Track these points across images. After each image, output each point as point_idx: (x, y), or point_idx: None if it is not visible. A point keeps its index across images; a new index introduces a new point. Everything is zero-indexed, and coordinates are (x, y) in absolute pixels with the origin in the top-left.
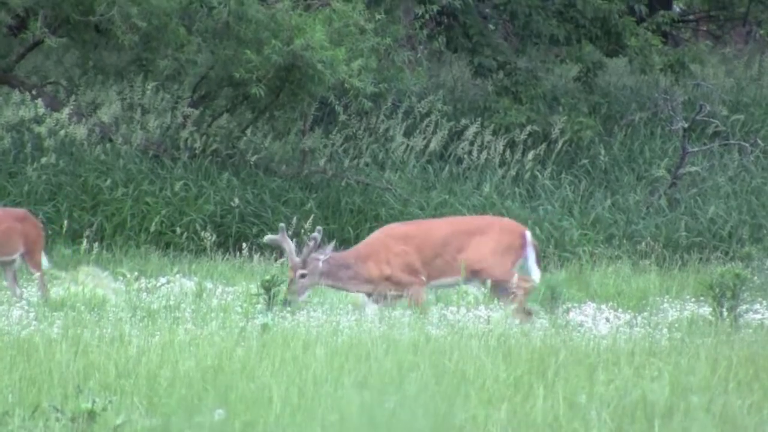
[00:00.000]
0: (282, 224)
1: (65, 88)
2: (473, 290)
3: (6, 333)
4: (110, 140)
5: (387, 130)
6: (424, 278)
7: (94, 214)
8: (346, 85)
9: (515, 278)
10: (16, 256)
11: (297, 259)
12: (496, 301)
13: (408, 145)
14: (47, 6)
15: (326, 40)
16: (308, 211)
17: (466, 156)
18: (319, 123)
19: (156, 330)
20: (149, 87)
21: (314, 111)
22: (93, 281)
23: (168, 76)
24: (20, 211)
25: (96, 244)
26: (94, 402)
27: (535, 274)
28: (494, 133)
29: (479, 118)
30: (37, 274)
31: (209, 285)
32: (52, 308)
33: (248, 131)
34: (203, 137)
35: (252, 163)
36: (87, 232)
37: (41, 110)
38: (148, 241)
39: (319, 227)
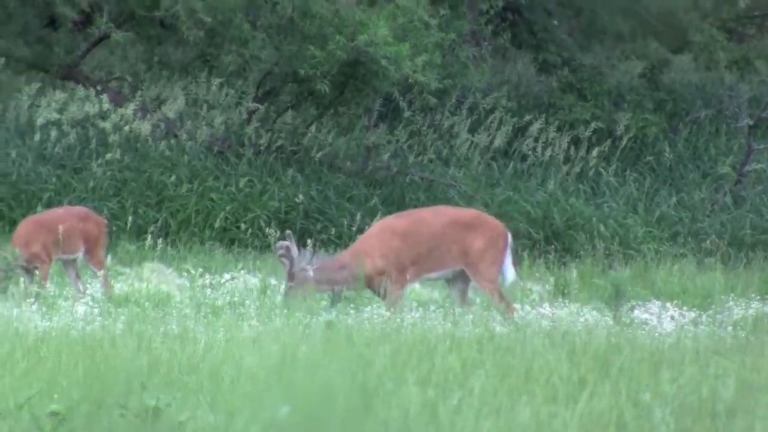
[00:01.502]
0: (288, 231)
1: (130, 83)
2: (537, 288)
3: (71, 329)
4: (175, 136)
5: (451, 126)
6: (408, 277)
7: (159, 210)
8: (410, 80)
9: (509, 277)
10: (78, 255)
11: (291, 272)
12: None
13: (472, 142)
14: (112, 1)
15: (390, 36)
16: (372, 208)
17: (530, 152)
18: (383, 119)
19: (220, 326)
20: (214, 83)
21: (378, 107)
22: (157, 277)
23: (232, 71)
24: (82, 209)
25: (160, 241)
26: (158, 398)
27: (511, 273)
28: (559, 129)
29: (544, 115)
30: (101, 273)
31: (273, 281)
32: (117, 304)
33: (313, 127)
34: (268, 133)
35: (316, 159)
36: (151, 228)
37: (106, 106)
38: (212, 238)
39: (288, 231)
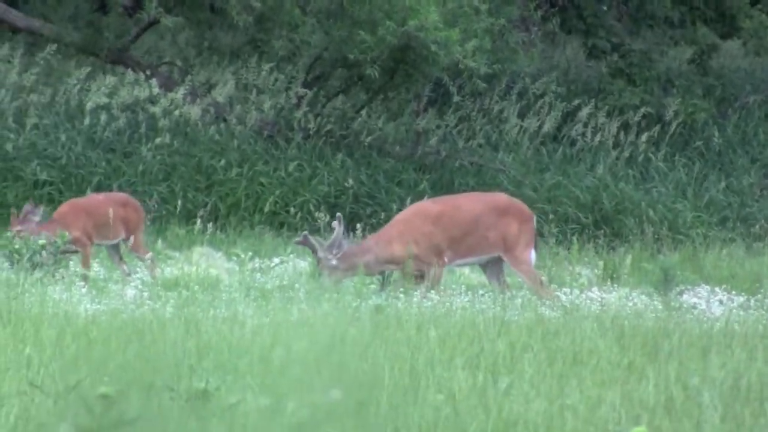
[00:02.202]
0: (339, 214)
1: (180, 68)
2: (586, 273)
3: (120, 312)
4: (225, 120)
5: (501, 111)
6: (446, 260)
7: (209, 194)
8: (460, 65)
9: (533, 260)
10: (118, 240)
11: (319, 256)
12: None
13: (521, 127)
14: None
15: (440, 21)
16: (422, 192)
17: (579, 137)
18: (433, 104)
19: (269, 310)
20: (264, 67)
21: (428, 92)
22: (207, 261)
23: (282, 56)
24: (122, 195)
25: (210, 225)
26: (208, 382)
27: (533, 257)
28: (608, 114)
29: (593, 100)
30: (148, 256)
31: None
32: (166, 288)
33: (362, 112)
34: (317, 118)
35: (366, 144)
36: (201, 213)
37: (156, 90)
38: (261, 222)
39: (338, 214)
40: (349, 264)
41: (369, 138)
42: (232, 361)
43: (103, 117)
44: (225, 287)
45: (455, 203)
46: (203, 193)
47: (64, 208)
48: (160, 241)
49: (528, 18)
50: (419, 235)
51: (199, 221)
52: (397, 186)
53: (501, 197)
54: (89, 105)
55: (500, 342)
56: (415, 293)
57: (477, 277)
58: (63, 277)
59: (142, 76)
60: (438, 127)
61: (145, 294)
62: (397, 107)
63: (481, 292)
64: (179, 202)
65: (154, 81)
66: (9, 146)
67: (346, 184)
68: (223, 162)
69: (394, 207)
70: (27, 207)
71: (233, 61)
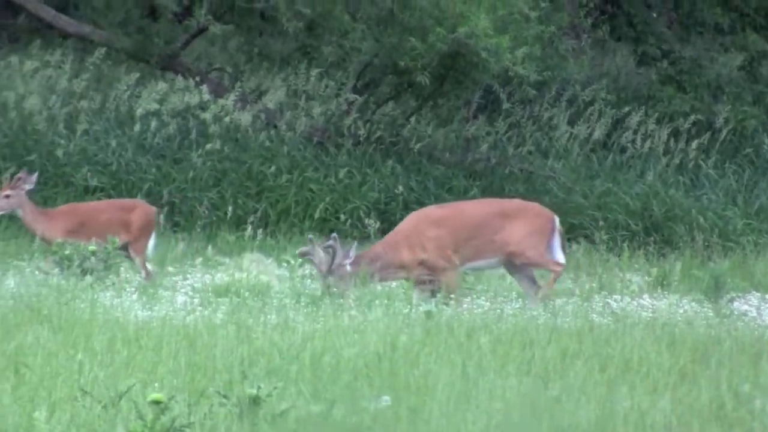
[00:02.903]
0: (311, 236)
1: (230, 74)
2: (637, 279)
3: (171, 319)
4: (275, 127)
5: (551, 118)
6: (457, 262)
7: (259, 200)
8: (510, 72)
9: (548, 261)
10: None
11: (324, 270)
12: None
13: (571, 134)
14: None
15: (491, 28)
16: (471, 199)
17: (629, 145)
18: (483, 111)
19: (320, 316)
20: (313, 74)
21: (478, 99)
22: (257, 267)
23: (332, 63)
24: (129, 201)
25: (260, 231)
26: (259, 388)
27: (561, 257)
28: (658, 121)
29: (643, 107)
30: (142, 262)
31: None
32: (217, 294)
33: (412, 119)
34: (367, 124)
35: (416, 150)
36: (251, 219)
37: (206, 96)
38: (311, 228)
39: (334, 234)
40: (361, 268)
41: (419, 145)
42: (282, 368)
43: (154, 123)
44: (275, 293)
45: (460, 207)
46: (253, 199)
47: (62, 207)
48: (210, 248)
49: (578, 25)
50: (425, 240)
51: (249, 227)
52: (447, 193)
53: (512, 201)
54: (139, 111)
55: (551, 348)
56: (466, 299)
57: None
58: (113, 283)
59: (192, 82)
60: (488, 133)
61: (196, 300)
62: (447, 114)
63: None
64: (229, 209)
65: (204, 87)
66: (60, 152)
67: (396, 191)
68: (273, 168)
69: None
70: (21, 174)
71: (283, 67)
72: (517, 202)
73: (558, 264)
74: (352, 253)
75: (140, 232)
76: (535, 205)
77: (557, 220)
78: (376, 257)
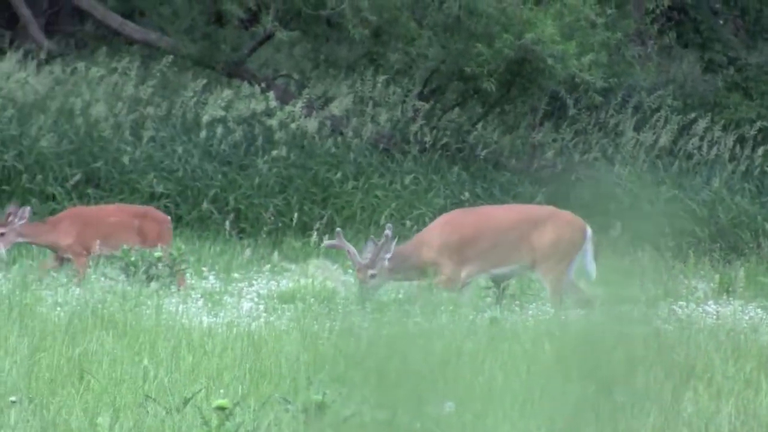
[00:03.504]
0: (338, 229)
1: (296, 81)
2: (702, 286)
3: (236, 325)
4: (341, 133)
5: (617, 124)
6: (464, 274)
7: (324, 207)
8: (576, 79)
9: (566, 281)
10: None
11: (364, 261)
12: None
13: (637, 140)
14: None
15: (557, 34)
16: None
17: (695, 151)
18: (549, 117)
19: (385, 323)
20: (380, 80)
21: (544, 105)
22: (323, 274)
23: (398, 69)
24: (141, 208)
25: (326, 237)
26: (324, 394)
27: (592, 269)
28: (724, 128)
29: (709, 114)
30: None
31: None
32: (282, 301)
33: (478, 125)
34: (433, 131)
35: (482, 157)
36: (317, 225)
37: (272, 103)
38: (377, 234)
39: (389, 224)
40: (396, 264)
41: (485, 151)
42: (347, 374)
43: (220, 130)
44: (341, 300)
45: (487, 212)
46: (319, 205)
47: (63, 213)
48: (276, 254)
49: (644, 32)
50: (446, 243)
51: (315, 234)
52: (512, 199)
53: (542, 209)
54: (206, 118)
55: (616, 355)
56: (531, 305)
57: (593, 289)
58: (179, 290)
59: (258, 89)
60: (554, 140)
61: (261, 307)
62: (513, 120)
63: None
64: (295, 215)
65: (271, 94)
66: (126, 159)
67: (461, 197)
68: (339, 175)
69: None
70: (11, 209)
71: (349, 74)
72: (548, 209)
73: (556, 279)
74: (392, 247)
75: (155, 241)
76: (567, 213)
77: (590, 230)
78: (408, 255)
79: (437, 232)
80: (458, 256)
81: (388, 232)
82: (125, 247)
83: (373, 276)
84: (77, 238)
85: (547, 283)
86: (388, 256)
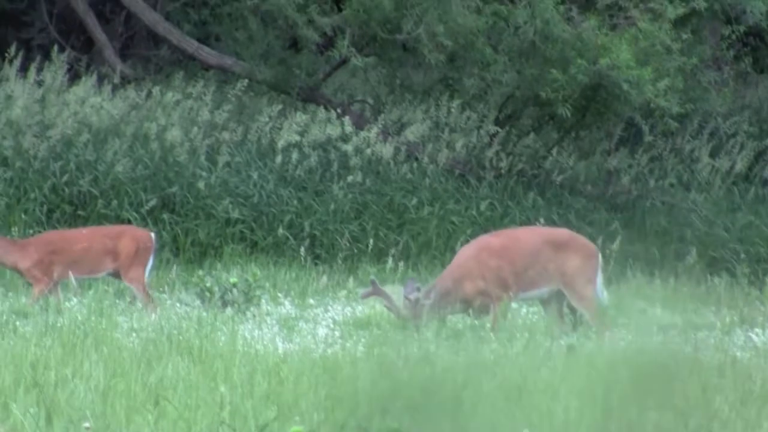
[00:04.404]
0: (372, 277)
1: (371, 106)
2: None
3: (311, 351)
4: (416, 159)
5: (692, 150)
6: (512, 293)
7: (400, 233)
8: (651, 105)
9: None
10: (100, 275)
11: (405, 312)
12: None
13: (713, 166)
14: (354, 24)
15: (632, 60)
16: (613, 232)
17: None
18: (624, 143)
19: (461, 349)
20: (455, 106)
21: (620, 131)
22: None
23: (474, 95)
24: (118, 228)
25: (401, 263)
26: (400, 422)
27: (603, 294)
28: None
29: None
30: (136, 290)
31: (514, 305)
32: (358, 327)
33: (553, 151)
34: (509, 157)
35: (557, 182)
36: (392, 251)
37: (348, 128)
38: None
39: (411, 277)
40: (435, 303)
41: (560, 177)
42: (423, 401)
43: (295, 155)
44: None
45: (515, 235)
46: (395, 231)
47: (35, 237)
48: (351, 280)
49: (720, 57)
50: (487, 270)
51: (390, 260)
52: (588, 225)
53: (561, 231)
54: (281, 143)
55: (692, 382)
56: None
57: (669, 316)
58: (254, 316)
59: (333, 114)
60: (630, 166)
61: (337, 333)
62: (588, 146)
63: (672, 332)
64: (371, 241)
65: (346, 119)
66: (201, 184)
67: (537, 223)
68: (414, 200)
69: None
70: None
71: (425, 99)
72: (565, 232)
73: (590, 302)
74: (419, 287)
75: (130, 260)
76: (581, 237)
77: (600, 256)
78: (447, 291)
79: (473, 261)
80: (501, 280)
81: (414, 291)
82: (100, 271)
83: (416, 324)
84: (37, 264)
85: (584, 309)
86: (429, 302)
